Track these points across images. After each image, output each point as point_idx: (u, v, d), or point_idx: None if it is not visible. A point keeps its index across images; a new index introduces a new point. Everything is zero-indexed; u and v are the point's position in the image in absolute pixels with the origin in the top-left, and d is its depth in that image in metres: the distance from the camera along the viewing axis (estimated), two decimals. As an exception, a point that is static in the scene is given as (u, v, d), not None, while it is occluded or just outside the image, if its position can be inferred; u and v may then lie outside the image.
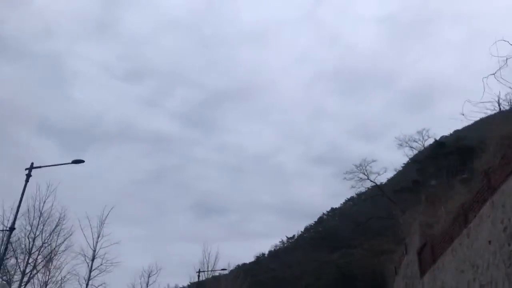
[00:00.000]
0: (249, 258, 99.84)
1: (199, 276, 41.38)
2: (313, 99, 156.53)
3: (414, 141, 53.25)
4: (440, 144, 51.48)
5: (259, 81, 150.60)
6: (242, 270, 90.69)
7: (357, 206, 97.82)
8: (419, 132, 53.76)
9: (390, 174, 70.58)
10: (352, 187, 55.78)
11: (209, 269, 45.17)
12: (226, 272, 49.51)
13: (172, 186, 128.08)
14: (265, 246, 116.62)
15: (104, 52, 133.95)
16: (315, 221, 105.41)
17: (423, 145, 53.91)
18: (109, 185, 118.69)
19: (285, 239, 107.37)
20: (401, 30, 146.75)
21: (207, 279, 53.09)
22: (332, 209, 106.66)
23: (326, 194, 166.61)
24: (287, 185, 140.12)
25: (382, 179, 62.81)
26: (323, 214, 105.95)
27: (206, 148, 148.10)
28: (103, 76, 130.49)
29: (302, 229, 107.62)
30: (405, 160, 67.71)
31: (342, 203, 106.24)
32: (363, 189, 58.54)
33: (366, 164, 54.45)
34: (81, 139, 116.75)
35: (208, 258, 46.15)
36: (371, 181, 54.74)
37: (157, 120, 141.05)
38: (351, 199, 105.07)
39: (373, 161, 55.42)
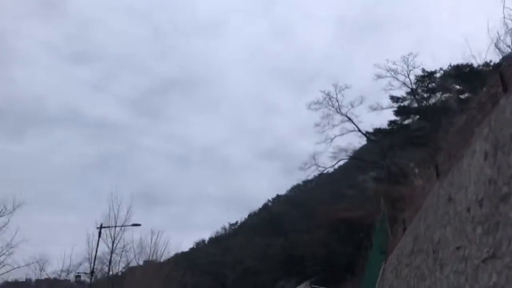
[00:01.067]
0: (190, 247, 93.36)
1: (100, 232, 31.08)
2: (264, 94, 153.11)
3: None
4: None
5: (210, 72, 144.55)
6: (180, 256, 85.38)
7: (304, 193, 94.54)
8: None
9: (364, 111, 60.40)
10: (316, 125, 40.87)
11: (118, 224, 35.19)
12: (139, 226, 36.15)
13: (116, 174, 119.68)
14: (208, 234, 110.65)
15: (50, 32, 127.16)
16: (259, 208, 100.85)
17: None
18: (49, 170, 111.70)
19: (227, 225, 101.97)
20: (353, 32, 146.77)
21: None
22: (278, 195, 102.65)
23: (273, 188, 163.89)
24: (234, 177, 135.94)
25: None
26: (268, 200, 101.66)
27: (153, 137, 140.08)
28: (48, 56, 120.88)
29: (246, 216, 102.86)
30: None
31: (288, 189, 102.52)
32: (330, 129, 40.95)
33: (337, 91, 40.22)
34: (21, 122, 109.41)
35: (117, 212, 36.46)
36: (342, 114, 40.03)
37: (104, 105, 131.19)
38: (297, 186, 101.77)
39: (346, 87, 40.65)
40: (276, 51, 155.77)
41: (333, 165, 45.77)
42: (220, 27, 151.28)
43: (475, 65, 30.91)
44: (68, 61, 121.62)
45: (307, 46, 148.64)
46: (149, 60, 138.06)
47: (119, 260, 38.22)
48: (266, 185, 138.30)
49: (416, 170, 26.58)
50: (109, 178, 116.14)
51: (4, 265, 28.00)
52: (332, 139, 40.71)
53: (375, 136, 40.82)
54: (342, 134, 39.98)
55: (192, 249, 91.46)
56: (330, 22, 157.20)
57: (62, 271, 36.90)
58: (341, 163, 47.51)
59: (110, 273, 37.20)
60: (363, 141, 43.61)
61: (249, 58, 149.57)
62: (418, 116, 38.82)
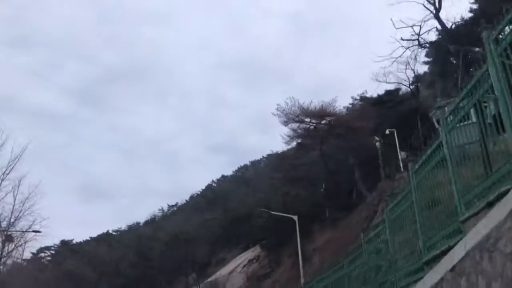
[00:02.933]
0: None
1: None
2: (214, 87, 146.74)
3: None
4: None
5: (159, 63, 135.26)
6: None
7: (250, 172, 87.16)
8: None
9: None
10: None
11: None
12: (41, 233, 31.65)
13: (54, 166, 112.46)
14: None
15: None
16: (202, 189, 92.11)
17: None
18: None
19: (165, 206, 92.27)
20: (304, 28, 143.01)
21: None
22: (223, 176, 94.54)
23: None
24: (181, 171, 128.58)
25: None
26: (212, 181, 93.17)
27: (97, 128, 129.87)
28: None
29: (188, 198, 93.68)
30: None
31: (234, 170, 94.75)
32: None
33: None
34: None
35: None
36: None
37: (43, 93, 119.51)
38: (244, 166, 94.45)
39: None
40: (226, 43, 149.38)
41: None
42: (170, 16, 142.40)
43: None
44: (6, 44, 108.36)
45: (259, 40, 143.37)
46: (95, 47, 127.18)
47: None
48: (214, 178, 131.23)
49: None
50: (45, 170, 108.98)
51: None
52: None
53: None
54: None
55: (124, 231, 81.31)
56: (283, 17, 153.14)
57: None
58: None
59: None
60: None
61: (198, 50, 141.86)
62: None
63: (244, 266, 42.82)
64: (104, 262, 62.61)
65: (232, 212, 50.13)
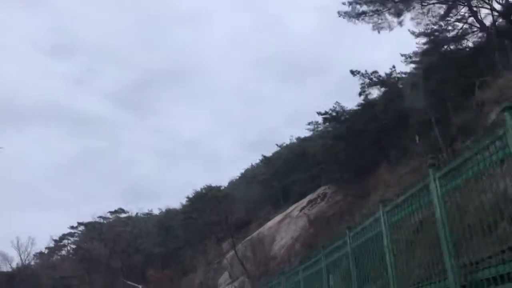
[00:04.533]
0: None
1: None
2: (249, 85, 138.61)
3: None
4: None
5: (193, 63, 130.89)
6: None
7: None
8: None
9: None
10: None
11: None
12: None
13: (99, 171, 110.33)
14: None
15: (29, 23, 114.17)
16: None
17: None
18: (28, 168, 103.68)
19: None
20: (336, 20, 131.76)
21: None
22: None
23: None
24: (220, 170, 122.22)
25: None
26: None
27: (138, 132, 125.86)
28: (26, 49, 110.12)
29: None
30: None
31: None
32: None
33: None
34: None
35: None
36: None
37: (85, 100, 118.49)
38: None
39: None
40: (259, 40, 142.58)
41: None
42: (202, 16, 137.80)
43: None
44: (48, 54, 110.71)
45: (290, 34, 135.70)
46: (131, 52, 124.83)
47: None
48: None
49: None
50: (93, 174, 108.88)
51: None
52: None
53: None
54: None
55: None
56: (313, 11, 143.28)
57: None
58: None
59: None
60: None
61: (232, 48, 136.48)
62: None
63: (303, 208, 29.44)
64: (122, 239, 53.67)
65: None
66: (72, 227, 64.27)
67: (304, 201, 30.70)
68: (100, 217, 59.90)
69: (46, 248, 67.49)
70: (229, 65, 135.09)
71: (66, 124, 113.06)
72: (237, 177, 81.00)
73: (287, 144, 49.74)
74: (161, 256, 46.43)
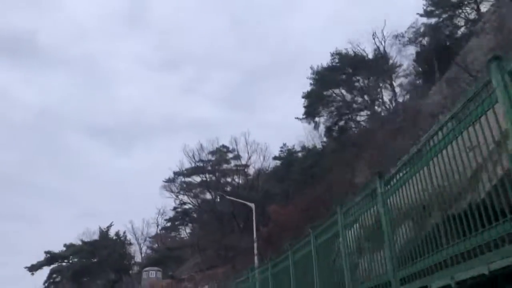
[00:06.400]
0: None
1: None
2: None
3: None
4: None
5: (293, 51, 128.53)
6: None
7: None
8: None
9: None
10: None
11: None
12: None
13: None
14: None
15: (138, 46, 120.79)
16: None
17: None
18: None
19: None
20: None
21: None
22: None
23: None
24: None
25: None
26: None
27: (250, 129, 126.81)
28: (140, 69, 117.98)
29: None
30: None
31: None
32: None
33: None
34: (128, 136, 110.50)
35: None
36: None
37: (198, 106, 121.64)
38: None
39: None
40: (353, 15, 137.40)
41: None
42: (294, 5, 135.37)
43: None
44: (159, 70, 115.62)
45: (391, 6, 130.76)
46: (232, 52, 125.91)
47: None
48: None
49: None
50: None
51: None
52: None
53: None
54: None
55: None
56: None
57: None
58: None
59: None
60: None
61: (326, 28, 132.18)
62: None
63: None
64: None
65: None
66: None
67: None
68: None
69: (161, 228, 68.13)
70: (326, 44, 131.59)
71: (186, 131, 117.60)
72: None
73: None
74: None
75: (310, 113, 41.71)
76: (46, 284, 61.84)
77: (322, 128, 43.16)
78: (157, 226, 64.23)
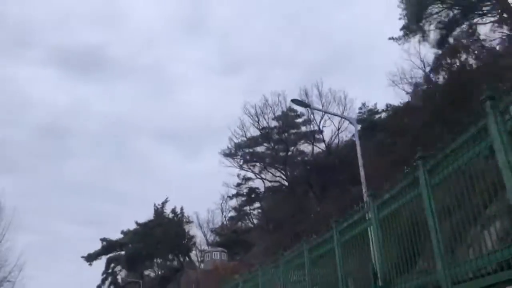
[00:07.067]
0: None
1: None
2: None
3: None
4: None
5: (354, 41, 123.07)
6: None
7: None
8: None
9: None
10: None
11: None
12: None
13: None
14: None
15: (201, 50, 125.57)
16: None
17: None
18: None
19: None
20: None
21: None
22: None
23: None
24: None
25: None
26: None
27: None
28: (204, 74, 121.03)
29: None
30: None
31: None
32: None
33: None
34: (197, 140, 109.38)
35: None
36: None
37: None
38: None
39: None
40: None
41: None
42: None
43: None
44: (222, 74, 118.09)
45: None
46: (291, 50, 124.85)
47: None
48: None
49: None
50: None
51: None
52: None
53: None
54: None
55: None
56: None
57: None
58: None
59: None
60: None
61: (385, 17, 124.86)
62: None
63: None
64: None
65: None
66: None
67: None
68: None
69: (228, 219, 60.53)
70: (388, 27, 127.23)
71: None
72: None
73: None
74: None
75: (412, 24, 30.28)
76: (104, 275, 56.67)
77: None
78: (222, 213, 55.87)
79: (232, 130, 50.73)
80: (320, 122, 47.33)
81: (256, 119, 48.86)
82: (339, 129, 46.30)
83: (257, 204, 54.84)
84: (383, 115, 47.82)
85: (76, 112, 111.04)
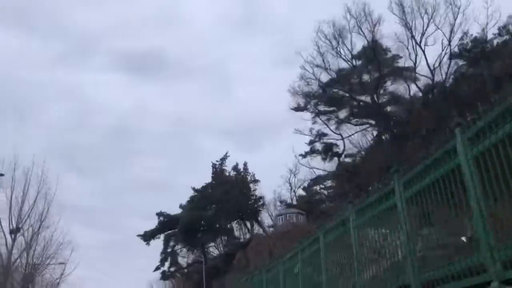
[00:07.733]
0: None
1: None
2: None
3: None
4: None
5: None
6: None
7: None
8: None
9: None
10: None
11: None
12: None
13: None
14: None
15: (256, 46, 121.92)
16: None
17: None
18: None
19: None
20: None
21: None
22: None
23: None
24: None
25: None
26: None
27: None
28: (260, 69, 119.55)
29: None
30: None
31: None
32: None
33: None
34: (256, 134, 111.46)
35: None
36: None
37: None
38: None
39: None
40: None
41: None
42: None
43: None
44: (277, 67, 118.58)
45: None
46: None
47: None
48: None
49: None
50: None
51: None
52: None
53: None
54: None
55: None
56: None
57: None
58: None
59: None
60: None
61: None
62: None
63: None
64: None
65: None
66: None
67: None
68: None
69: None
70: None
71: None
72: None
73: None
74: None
75: None
76: (163, 255, 49.99)
77: None
78: (290, 188, 46.51)
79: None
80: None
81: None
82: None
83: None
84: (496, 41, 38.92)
85: (139, 114, 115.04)
